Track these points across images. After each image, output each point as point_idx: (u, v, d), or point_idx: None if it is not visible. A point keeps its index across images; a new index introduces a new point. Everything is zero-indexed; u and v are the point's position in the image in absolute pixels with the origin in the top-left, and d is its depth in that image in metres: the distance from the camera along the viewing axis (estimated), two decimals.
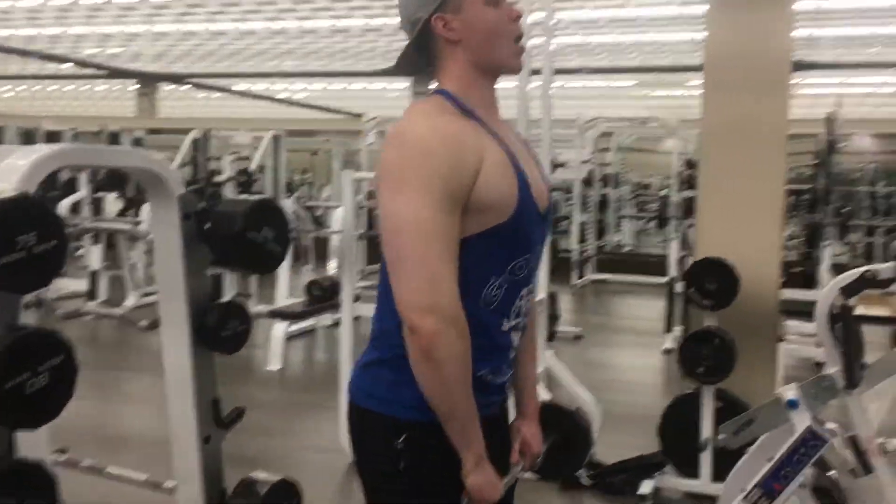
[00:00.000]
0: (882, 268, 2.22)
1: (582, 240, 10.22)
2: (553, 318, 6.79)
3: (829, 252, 6.18)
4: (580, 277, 10.06)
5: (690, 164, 9.60)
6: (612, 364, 6.29)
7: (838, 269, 7.00)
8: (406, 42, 1.58)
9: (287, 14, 10.26)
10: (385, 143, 1.48)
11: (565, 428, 1.64)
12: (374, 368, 1.55)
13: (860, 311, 2.37)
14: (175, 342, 2.02)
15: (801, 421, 2.16)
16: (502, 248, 1.49)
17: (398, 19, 1.60)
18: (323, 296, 5.85)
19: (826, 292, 2.27)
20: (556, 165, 9.76)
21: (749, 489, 2.17)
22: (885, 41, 11.01)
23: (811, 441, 2.12)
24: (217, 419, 2.10)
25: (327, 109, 17.38)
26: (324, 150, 14.18)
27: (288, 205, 7.37)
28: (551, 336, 6.57)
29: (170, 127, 14.67)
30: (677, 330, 6.27)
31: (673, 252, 6.44)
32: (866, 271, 2.22)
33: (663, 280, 9.30)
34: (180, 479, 2.05)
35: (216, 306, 2.04)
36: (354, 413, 1.58)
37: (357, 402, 1.57)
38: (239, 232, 1.91)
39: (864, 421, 2.24)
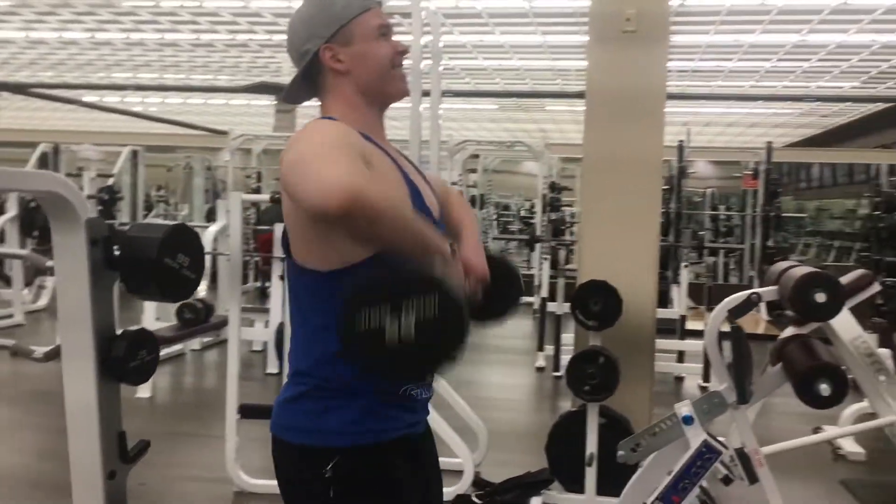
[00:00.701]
0: (765, 291, 2.40)
1: None
2: None
3: (685, 273, 6.55)
4: None
5: (554, 188, 9.99)
6: (488, 383, 6.40)
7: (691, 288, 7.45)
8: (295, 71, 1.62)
9: (146, 26, 9.93)
10: (287, 149, 1.46)
11: (497, 273, 1.65)
12: (296, 402, 1.54)
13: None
14: (79, 374, 1.91)
15: (696, 435, 2.30)
16: None
17: (286, 45, 1.64)
18: (195, 319, 5.65)
19: (715, 314, 2.43)
20: None
21: (650, 502, 2.28)
22: (727, 75, 11.86)
23: (706, 454, 2.25)
24: (122, 453, 2.01)
25: (184, 125, 16.84)
26: (178, 167, 13.71)
27: None
28: None
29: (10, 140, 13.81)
30: (549, 348, 6.46)
31: (544, 273, 6.64)
32: (752, 294, 2.39)
33: (529, 300, 9.61)
34: None
35: (125, 335, 1.96)
36: (279, 448, 1.56)
37: (281, 436, 1.55)
38: (156, 259, 1.85)
39: (750, 434, 2.41)
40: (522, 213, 13.48)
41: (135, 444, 2.06)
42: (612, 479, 3.55)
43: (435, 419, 3.75)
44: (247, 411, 3.72)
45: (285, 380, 1.61)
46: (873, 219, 6.08)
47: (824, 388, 2.23)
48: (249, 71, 12.53)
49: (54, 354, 2.16)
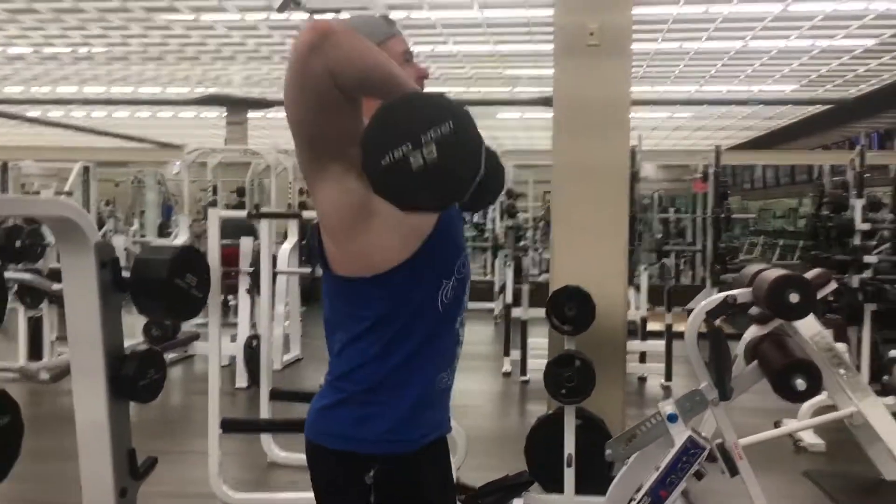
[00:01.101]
0: (739, 293, 2.53)
1: None
2: None
3: (644, 276, 6.73)
4: None
5: (510, 195, 10.12)
6: (457, 389, 6.47)
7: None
8: None
9: (96, 40, 9.83)
10: None
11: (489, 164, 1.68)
12: (336, 409, 1.60)
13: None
14: (90, 393, 1.96)
15: (681, 432, 2.41)
16: (452, 245, 1.59)
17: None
18: (163, 336, 5.64)
19: (694, 315, 2.55)
20: None
21: (639, 498, 2.39)
22: (674, 80, 12.16)
23: (692, 450, 2.37)
24: (133, 470, 2.05)
25: (134, 138, 16.62)
26: (127, 181, 13.52)
27: (119, 242, 7.02)
28: None
29: None
30: (515, 353, 6.57)
31: (508, 279, 6.76)
32: (728, 296, 2.52)
33: (490, 305, 9.74)
34: None
35: (135, 355, 2.00)
36: (316, 453, 1.61)
37: (320, 442, 1.60)
38: (166, 279, 1.90)
39: (730, 429, 2.53)
40: (476, 220, 13.59)
41: (143, 460, 2.11)
42: (591, 479, 3.68)
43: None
44: (228, 425, 3.74)
45: (320, 387, 1.67)
46: (821, 218, 6.32)
47: (800, 383, 2.37)
48: (200, 83, 12.45)
49: (61, 375, 2.19)
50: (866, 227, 5.98)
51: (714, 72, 11.68)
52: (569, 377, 3.57)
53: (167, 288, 1.91)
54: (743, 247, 15.00)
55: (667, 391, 6.14)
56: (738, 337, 3.13)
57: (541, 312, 7.45)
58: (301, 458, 1.87)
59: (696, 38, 9.76)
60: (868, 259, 5.86)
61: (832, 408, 4.27)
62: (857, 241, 5.96)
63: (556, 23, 3.98)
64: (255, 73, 11.47)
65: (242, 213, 4.87)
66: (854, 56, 11.00)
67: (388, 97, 1.36)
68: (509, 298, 6.64)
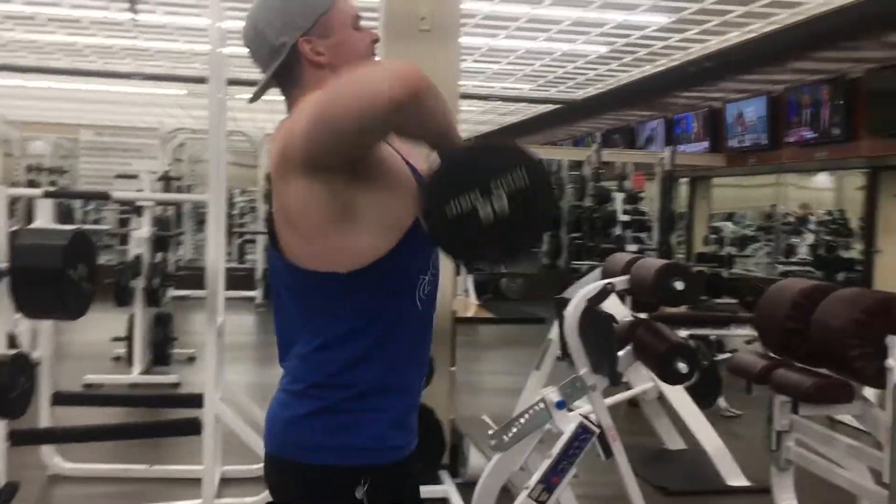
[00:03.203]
0: (618, 281, 2.61)
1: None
2: (169, 339, 6.41)
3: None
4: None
5: (270, 179, 9.79)
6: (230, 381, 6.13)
7: None
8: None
9: None
10: (286, 133, 1.39)
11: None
12: (312, 419, 1.42)
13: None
14: None
15: (570, 419, 2.44)
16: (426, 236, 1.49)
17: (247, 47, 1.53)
18: None
19: (575, 303, 2.59)
20: (125, 177, 9.16)
21: (532, 485, 2.39)
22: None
23: (582, 435, 2.41)
24: None
25: None
26: None
27: None
28: (166, 359, 6.21)
29: None
30: None
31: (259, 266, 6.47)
32: (608, 283, 2.59)
33: (250, 294, 9.34)
34: None
35: (3, 362, 1.63)
36: (292, 473, 1.42)
37: (295, 458, 1.41)
38: (60, 270, 1.56)
39: (606, 413, 2.61)
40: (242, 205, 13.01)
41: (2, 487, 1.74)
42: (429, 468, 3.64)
43: (239, 425, 3.56)
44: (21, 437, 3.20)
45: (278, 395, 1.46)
46: (585, 209, 6.78)
47: (682, 367, 2.49)
48: None
49: None
50: (627, 218, 6.51)
51: (464, 66, 12.13)
52: None
53: (59, 281, 1.57)
54: None
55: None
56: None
57: None
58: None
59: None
60: (629, 248, 6.38)
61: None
62: (618, 231, 6.47)
63: (387, 7, 3.87)
64: None
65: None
66: (588, 61, 11.96)
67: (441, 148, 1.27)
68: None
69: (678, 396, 4.07)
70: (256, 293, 9.27)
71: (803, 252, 13.65)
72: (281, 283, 1.47)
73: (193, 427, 3.51)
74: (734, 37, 10.36)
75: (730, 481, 4.07)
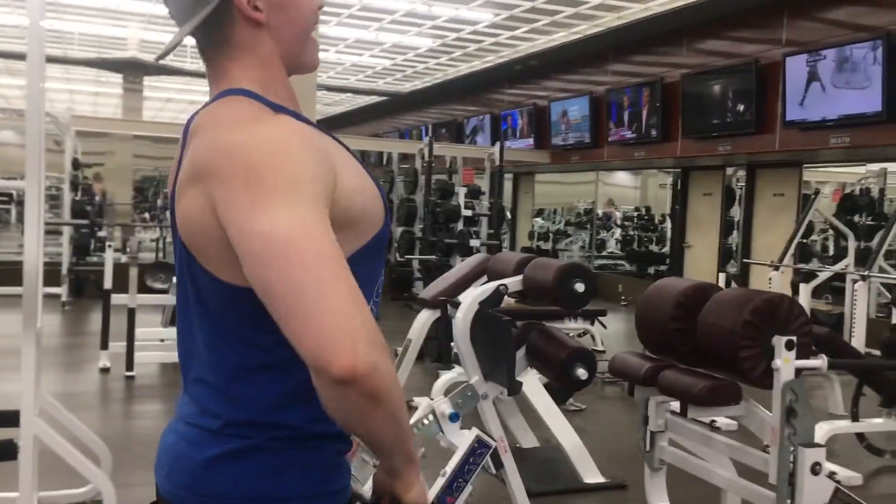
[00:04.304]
0: (510, 282, 2.46)
1: None
2: None
3: None
4: None
5: (77, 165, 8.96)
6: (48, 391, 5.48)
7: None
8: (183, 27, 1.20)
9: None
10: (211, 157, 1.09)
11: None
12: (239, 460, 1.14)
13: None
14: None
15: (466, 432, 2.26)
16: (376, 263, 1.25)
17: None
18: None
19: (467, 306, 2.40)
20: None
21: None
22: None
23: (479, 449, 2.23)
24: None
25: None
26: None
27: None
28: None
29: None
30: (117, 346, 5.79)
31: (107, 259, 5.87)
32: (500, 286, 2.43)
33: (55, 290, 8.47)
34: None
35: None
36: None
37: None
38: None
39: (497, 423, 2.45)
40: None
41: None
42: None
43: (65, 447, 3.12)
44: None
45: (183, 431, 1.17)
46: (428, 203, 6.65)
47: (582, 372, 2.37)
48: None
49: None
50: (469, 212, 6.44)
51: None
52: None
53: None
54: None
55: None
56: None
57: (152, 299, 6.72)
58: None
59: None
60: (472, 242, 6.32)
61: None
62: (461, 225, 6.39)
63: None
64: None
65: None
66: (418, 54, 11.88)
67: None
68: (109, 283, 5.81)
69: (536, 393, 4.01)
70: (62, 290, 8.44)
71: (612, 246, 14.32)
72: (194, 295, 1.17)
73: (7, 451, 3.01)
74: (561, 37, 10.65)
75: (587, 479, 4.05)
